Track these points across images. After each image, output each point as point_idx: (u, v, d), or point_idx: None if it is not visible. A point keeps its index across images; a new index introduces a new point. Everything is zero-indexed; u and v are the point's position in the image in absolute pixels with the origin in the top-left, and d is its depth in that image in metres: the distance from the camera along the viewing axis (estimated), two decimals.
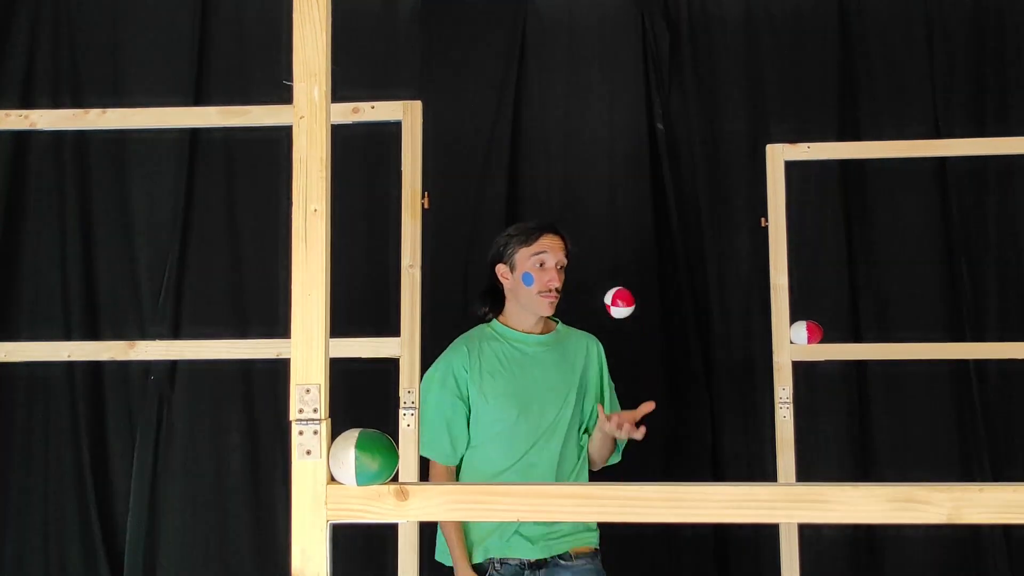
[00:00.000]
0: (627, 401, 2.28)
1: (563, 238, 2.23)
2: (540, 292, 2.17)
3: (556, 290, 2.18)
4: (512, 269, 2.21)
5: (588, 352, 2.29)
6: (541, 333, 2.25)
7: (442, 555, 2.23)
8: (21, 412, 2.96)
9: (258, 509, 2.94)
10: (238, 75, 3.03)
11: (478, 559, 2.14)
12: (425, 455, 2.15)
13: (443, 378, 2.20)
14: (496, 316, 2.28)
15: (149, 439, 2.92)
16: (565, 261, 2.22)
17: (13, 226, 3.00)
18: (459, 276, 2.97)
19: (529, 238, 2.20)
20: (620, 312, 2.32)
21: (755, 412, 2.90)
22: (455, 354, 2.22)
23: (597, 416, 2.20)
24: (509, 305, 2.25)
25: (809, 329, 2.36)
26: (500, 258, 2.24)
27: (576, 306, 2.81)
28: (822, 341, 2.39)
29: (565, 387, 2.22)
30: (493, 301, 2.28)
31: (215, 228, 3.01)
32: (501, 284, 2.25)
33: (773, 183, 2.50)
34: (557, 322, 2.31)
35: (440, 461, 2.20)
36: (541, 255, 2.18)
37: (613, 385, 2.32)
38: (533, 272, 2.17)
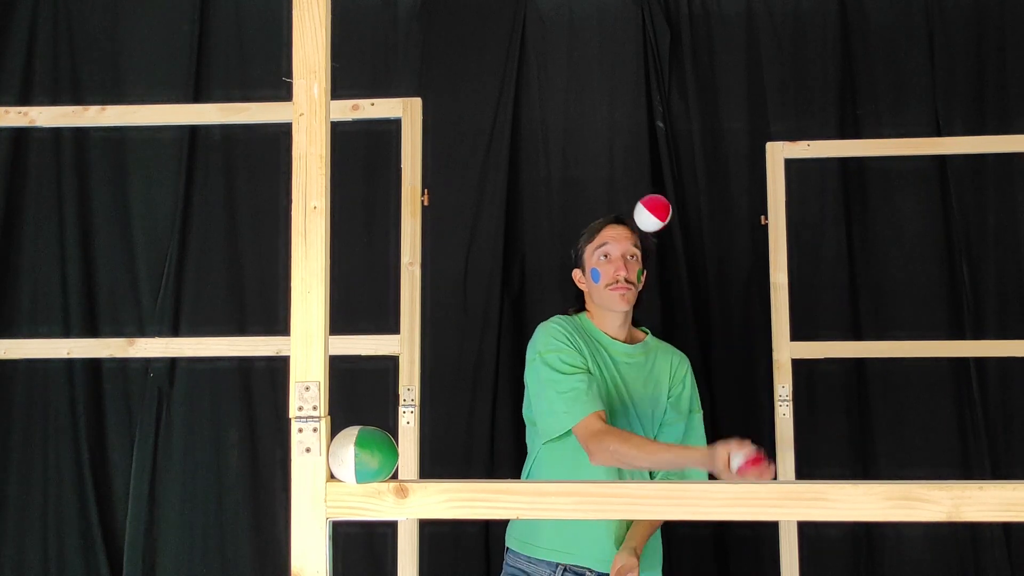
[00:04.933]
0: None
1: (629, 227, 2.10)
2: (608, 285, 2.02)
3: (626, 280, 2.01)
4: (584, 270, 2.09)
5: (675, 371, 2.11)
6: (627, 342, 2.09)
7: (518, 543, 2.06)
8: (20, 409, 2.96)
9: (258, 506, 2.93)
10: (237, 72, 3.03)
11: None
12: (571, 424, 1.90)
13: (562, 354, 1.97)
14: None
15: (148, 437, 2.92)
16: (635, 251, 2.07)
17: (12, 223, 2.99)
18: (459, 274, 2.97)
19: (591, 233, 2.10)
20: (646, 223, 2.14)
21: (755, 410, 2.90)
22: (564, 330, 2.01)
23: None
24: (591, 309, 2.12)
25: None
26: (575, 263, 2.13)
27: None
28: (823, 339, 2.39)
29: (651, 405, 2.07)
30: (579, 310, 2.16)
31: (214, 225, 3.00)
32: (582, 292, 2.13)
33: (773, 181, 2.50)
34: (647, 333, 2.16)
35: (591, 411, 1.89)
36: (605, 247, 2.05)
37: (701, 412, 2.14)
38: (599, 266, 2.05)
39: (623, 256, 2.04)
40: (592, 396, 1.92)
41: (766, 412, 2.71)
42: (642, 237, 2.11)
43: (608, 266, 2.03)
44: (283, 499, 2.87)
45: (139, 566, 2.90)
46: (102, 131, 2.92)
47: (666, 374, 2.10)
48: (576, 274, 2.14)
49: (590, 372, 1.97)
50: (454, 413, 2.90)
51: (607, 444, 1.82)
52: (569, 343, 1.99)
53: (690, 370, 2.14)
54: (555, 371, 1.95)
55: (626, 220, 2.12)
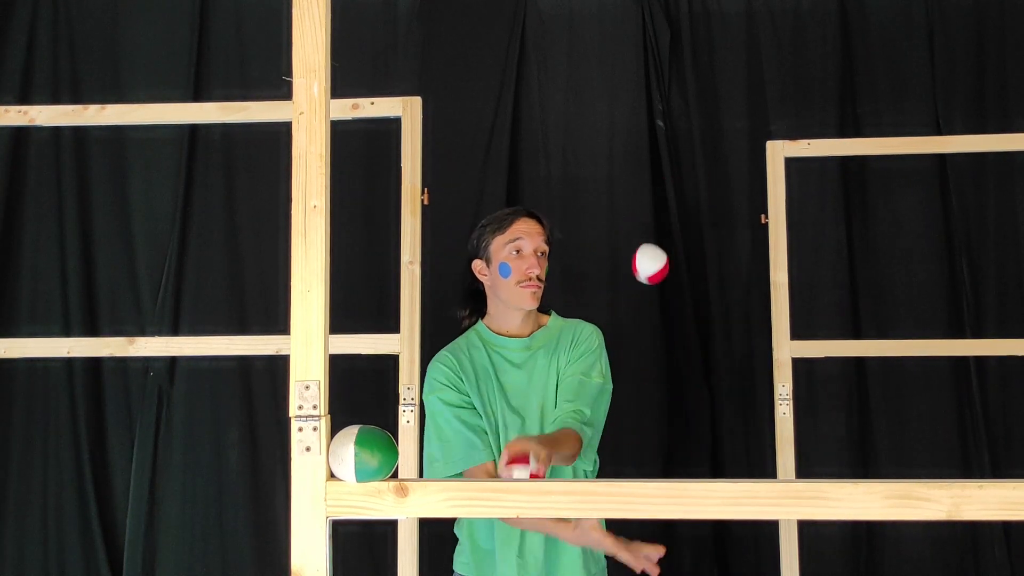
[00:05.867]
0: (628, 400, 2.23)
1: (540, 222, 2.00)
2: (520, 282, 1.92)
3: (538, 278, 1.92)
4: (489, 263, 1.96)
5: (577, 336, 1.98)
6: (531, 333, 1.99)
7: (462, 566, 2.01)
8: (20, 408, 2.96)
9: (257, 506, 2.94)
10: (237, 71, 3.03)
11: None
12: (455, 473, 1.89)
13: (440, 393, 1.94)
14: (480, 318, 2.03)
15: (148, 436, 2.93)
16: (545, 247, 1.98)
17: (12, 223, 2.99)
18: (458, 273, 2.95)
19: (502, 225, 1.96)
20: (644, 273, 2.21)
21: (755, 409, 2.91)
22: (444, 366, 1.96)
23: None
24: (491, 305, 2.00)
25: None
26: (476, 253, 1.99)
27: (576, 303, 2.82)
28: (823, 338, 2.39)
29: (543, 396, 1.94)
30: (475, 303, 2.04)
31: (214, 224, 3.00)
32: (481, 283, 2.00)
33: (773, 180, 2.50)
34: (550, 314, 2.04)
35: (475, 463, 1.87)
36: (517, 241, 1.93)
37: (609, 387, 1.96)
38: (510, 261, 1.92)
39: (535, 252, 1.95)
40: (474, 449, 1.87)
41: (766, 411, 2.71)
42: (550, 231, 2.02)
43: (520, 262, 1.93)
44: (283, 499, 2.87)
45: (139, 566, 2.90)
46: (102, 130, 2.92)
47: (567, 343, 1.99)
48: (477, 265, 1.99)
49: (473, 407, 1.92)
50: None
51: None
52: (449, 384, 1.93)
53: (596, 337, 2.00)
54: (437, 418, 1.92)
55: (535, 213, 2.02)
